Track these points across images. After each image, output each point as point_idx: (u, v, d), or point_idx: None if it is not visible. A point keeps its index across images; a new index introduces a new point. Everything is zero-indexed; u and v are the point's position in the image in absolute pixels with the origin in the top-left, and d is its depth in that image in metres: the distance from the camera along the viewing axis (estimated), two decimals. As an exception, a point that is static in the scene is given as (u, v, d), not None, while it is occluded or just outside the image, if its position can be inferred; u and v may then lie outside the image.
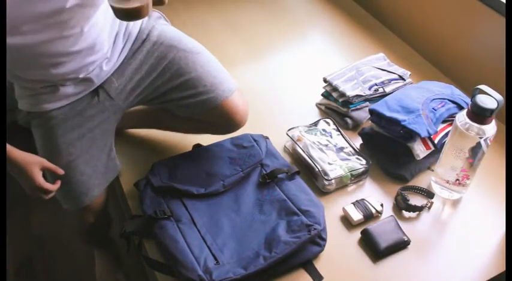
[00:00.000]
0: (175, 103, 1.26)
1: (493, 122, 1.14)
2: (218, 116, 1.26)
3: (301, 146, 1.35)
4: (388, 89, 1.50)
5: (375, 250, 1.15)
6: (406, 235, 1.17)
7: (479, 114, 1.11)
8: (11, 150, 1.06)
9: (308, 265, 1.12)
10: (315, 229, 1.11)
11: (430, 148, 1.32)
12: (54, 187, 1.13)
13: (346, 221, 1.23)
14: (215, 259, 1.08)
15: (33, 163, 1.09)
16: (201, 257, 1.07)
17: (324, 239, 1.14)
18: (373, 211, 1.22)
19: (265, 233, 1.13)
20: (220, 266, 1.06)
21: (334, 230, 1.20)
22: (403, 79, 1.54)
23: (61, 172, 1.14)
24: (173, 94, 1.24)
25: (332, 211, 1.25)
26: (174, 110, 1.30)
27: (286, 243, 1.08)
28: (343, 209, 1.23)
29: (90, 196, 1.22)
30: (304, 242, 1.10)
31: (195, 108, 1.25)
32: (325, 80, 1.53)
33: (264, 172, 1.27)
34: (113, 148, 1.27)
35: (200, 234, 1.13)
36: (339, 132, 1.40)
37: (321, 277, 1.10)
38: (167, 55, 1.22)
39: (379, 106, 1.36)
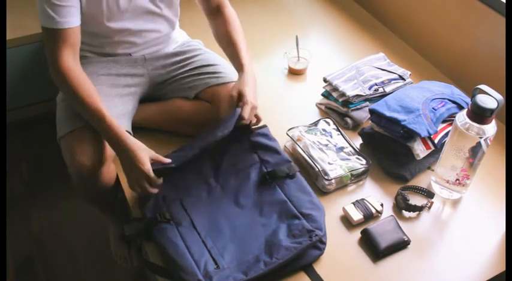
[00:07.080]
0: (192, 77, 1.40)
1: (493, 122, 1.14)
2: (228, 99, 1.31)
3: (301, 146, 1.35)
4: (388, 89, 1.50)
5: (375, 249, 1.15)
6: (406, 235, 1.17)
7: (479, 114, 1.11)
8: (126, 136, 1.14)
9: (308, 268, 1.12)
10: (316, 235, 1.10)
11: (430, 148, 1.32)
12: (155, 189, 1.17)
13: (346, 221, 1.23)
14: (215, 263, 1.07)
15: (144, 149, 1.16)
16: (201, 261, 1.07)
17: (324, 243, 1.14)
18: (373, 210, 1.22)
19: (265, 236, 1.12)
20: (220, 271, 1.05)
21: (334, 230, 1.20)
22: (403, 79, 1.54)
23: (168, 161, 1.18)
24: (193, 70, 1.42)
25: (332, 211, 1.25)
26: (190, 83, 1.40)
27: (287, 249, 1.07)
28: (343, 209, 1.23)
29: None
30: (305, 248, 1.09)
31: (208, 80, 1.38)
32: (325, 80, 1.53)
33: (264, 169, 1.26)
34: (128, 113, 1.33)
35: (200, 237, 1.12)
36: (339, 132, 1.40)
37: None
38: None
39: (379, 106, 1.36)
